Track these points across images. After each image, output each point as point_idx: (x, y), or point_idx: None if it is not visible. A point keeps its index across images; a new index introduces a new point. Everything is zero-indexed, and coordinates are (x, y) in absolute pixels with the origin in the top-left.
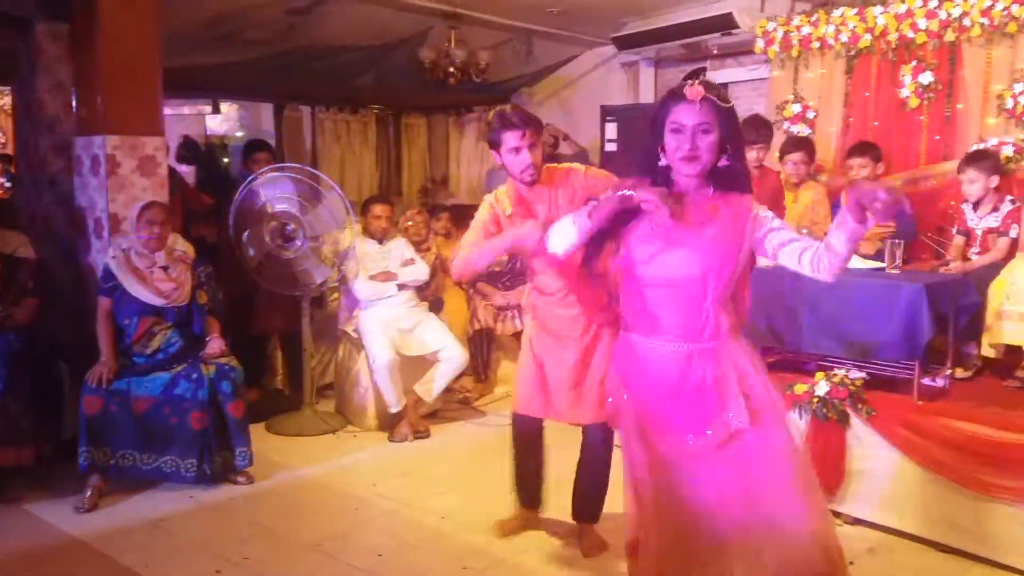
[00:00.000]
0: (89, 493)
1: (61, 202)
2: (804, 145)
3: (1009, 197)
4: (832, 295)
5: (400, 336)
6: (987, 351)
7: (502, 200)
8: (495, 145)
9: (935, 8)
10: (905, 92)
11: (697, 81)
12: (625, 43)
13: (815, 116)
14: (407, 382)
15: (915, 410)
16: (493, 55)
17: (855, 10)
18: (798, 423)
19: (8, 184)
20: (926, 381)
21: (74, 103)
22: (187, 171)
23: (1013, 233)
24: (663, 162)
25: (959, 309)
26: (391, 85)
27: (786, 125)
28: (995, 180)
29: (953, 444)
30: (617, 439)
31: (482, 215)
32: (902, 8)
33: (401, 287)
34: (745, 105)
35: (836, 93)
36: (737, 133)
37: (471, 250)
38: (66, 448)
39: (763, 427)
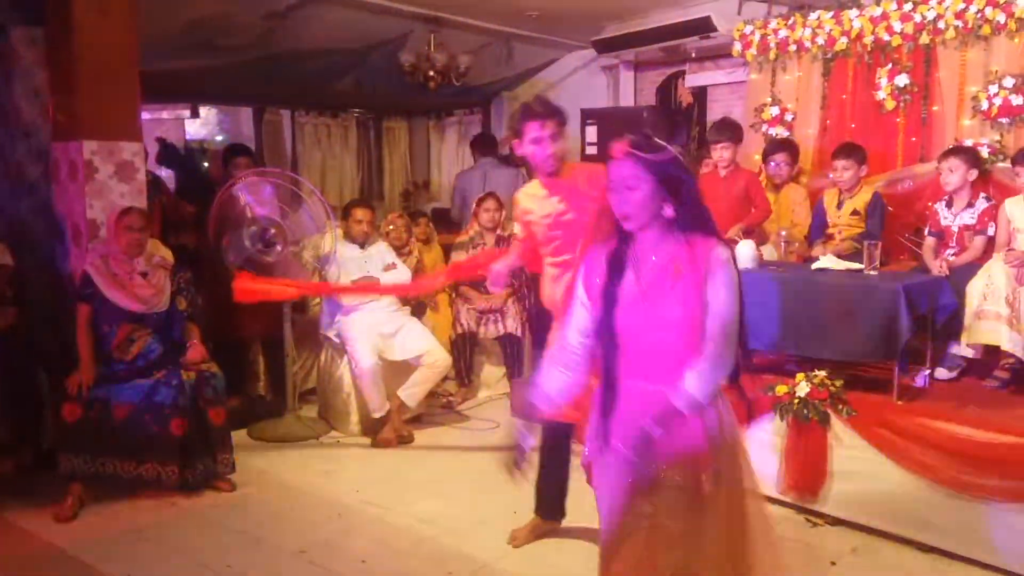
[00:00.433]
0: (70, 501)
1: (39, 209)
2: (787, 146)
3: (983, 195)
4: (811, 296)
5: (383, 341)
6: (966, 351)
7: (521, 201)
8: (518, 135)
9: (910, 11)
10: (881, 94)
11: (628, 136)
12: (604, 47)
13: (793, 119)
14: (390, 387)
15: (895, 410)
16: (473, 59)
17: (831, 13)
18: (779, 424)
19: None
20: (922, 381)
21: (51, 109)
22: (166, 175)
23: (990, 231)
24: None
25: (937, 309)
26: (371, 89)
27: (764, 127)
28: (974, 174)
29: (933, 444)
30: None
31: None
32: (877, 11)
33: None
34: (723, 108)
35: (813, 96)
36: (679, 179)
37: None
38: (45, 456)
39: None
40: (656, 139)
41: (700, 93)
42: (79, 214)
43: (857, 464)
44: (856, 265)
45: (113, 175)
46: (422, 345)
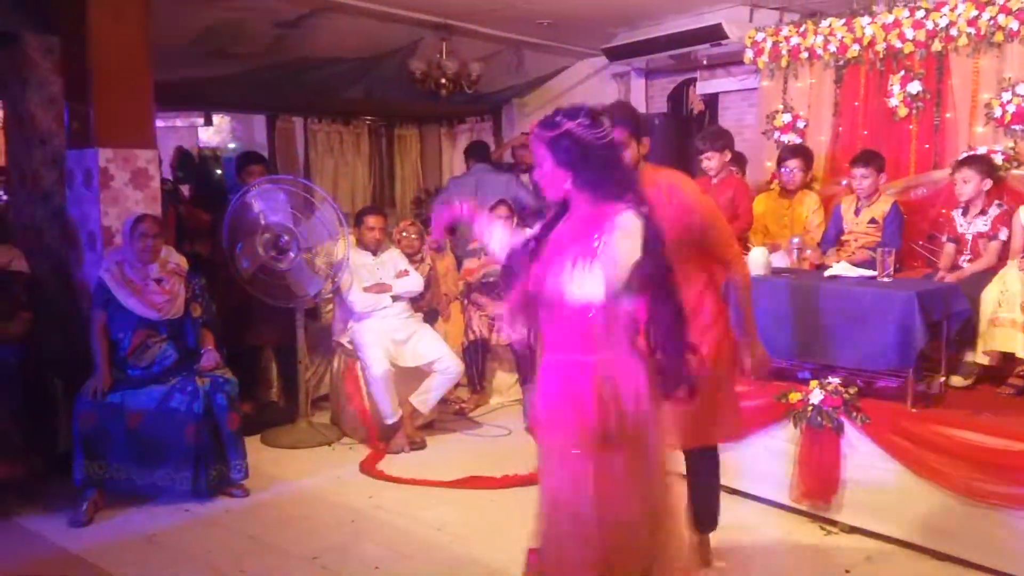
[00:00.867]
0: (86, 507)
1: (54, 216)
2: (801, 152)
3: (996, 201)
4: (825, 304)
5: (395, 347)
6: (981, 358)
7: None
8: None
9: (922, 18)
10: (894, 101)
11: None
12: (615, 54)
13: (805, 126)
14: (402, 393)
15: (909, 418)
16: (484, 66)
17: (843, 21)
18: (793, 432)
19: (2, 198)
20: (936, 388)
21: (66, 116)
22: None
23: (1003, 236)
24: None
25: (951, 317)
26: (382, 96)
27: (776, 135)
28: (988, 183)
29: (947, 451)
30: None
31: None
32: (889, 18)
33: (395, 298)
34: (735, 115)
35: (826, 103)
36: (577, 155)
37: None
38: (60, 462)
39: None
40: (557, 116)
41: (712, 100)
42: (94, 221)
43: (871, 472)
44: (869, 272)
45: (128, 182)
46: (434, 351)
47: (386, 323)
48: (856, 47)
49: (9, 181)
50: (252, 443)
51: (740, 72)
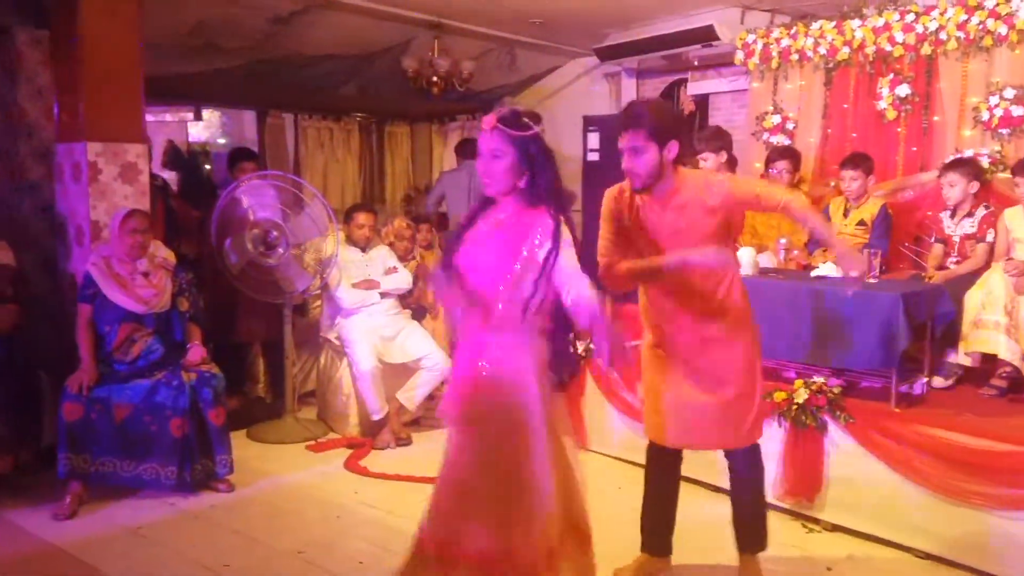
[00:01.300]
0: (69, 500)
1: (41, 209)
2: (789, 154)
3: (983, 203)
4: (810, 304)
5: (382, 344)
6: (963, 359)
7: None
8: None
9: (912, 22)
10: (883, 104)
11: (496, 111)
12: (607, 54)
13: (794, 127)
14: (389, 390)
15: (892, 417)
16: (476, 65)
17: (833, 23)
18: (777, 430)
19: None
20: (919, 388)
21: (55, 110)
22: (170, 177)
23: (990, 237)
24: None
25: (935, 318)
26: (374, 93)
27: (766, 136)
28: (975, 186)
29: (929, 451)
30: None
31: (606, 213)
32: (879, 22)
33: (383, 295)
34: (725, 116)
35: (815, 105)
36: (538, 157)
37: (617, 267)
38: (45, 456)
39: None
40: (524, 117)
41: (702, 101)
42: (82, 215)
43: (854, 470)
44: (855, 273)
45: (117, 177)
46: (422, 348)
47: (374, 319)
48: (846, 50)
49: None
50: (238, 438)
51: (731, 73)
